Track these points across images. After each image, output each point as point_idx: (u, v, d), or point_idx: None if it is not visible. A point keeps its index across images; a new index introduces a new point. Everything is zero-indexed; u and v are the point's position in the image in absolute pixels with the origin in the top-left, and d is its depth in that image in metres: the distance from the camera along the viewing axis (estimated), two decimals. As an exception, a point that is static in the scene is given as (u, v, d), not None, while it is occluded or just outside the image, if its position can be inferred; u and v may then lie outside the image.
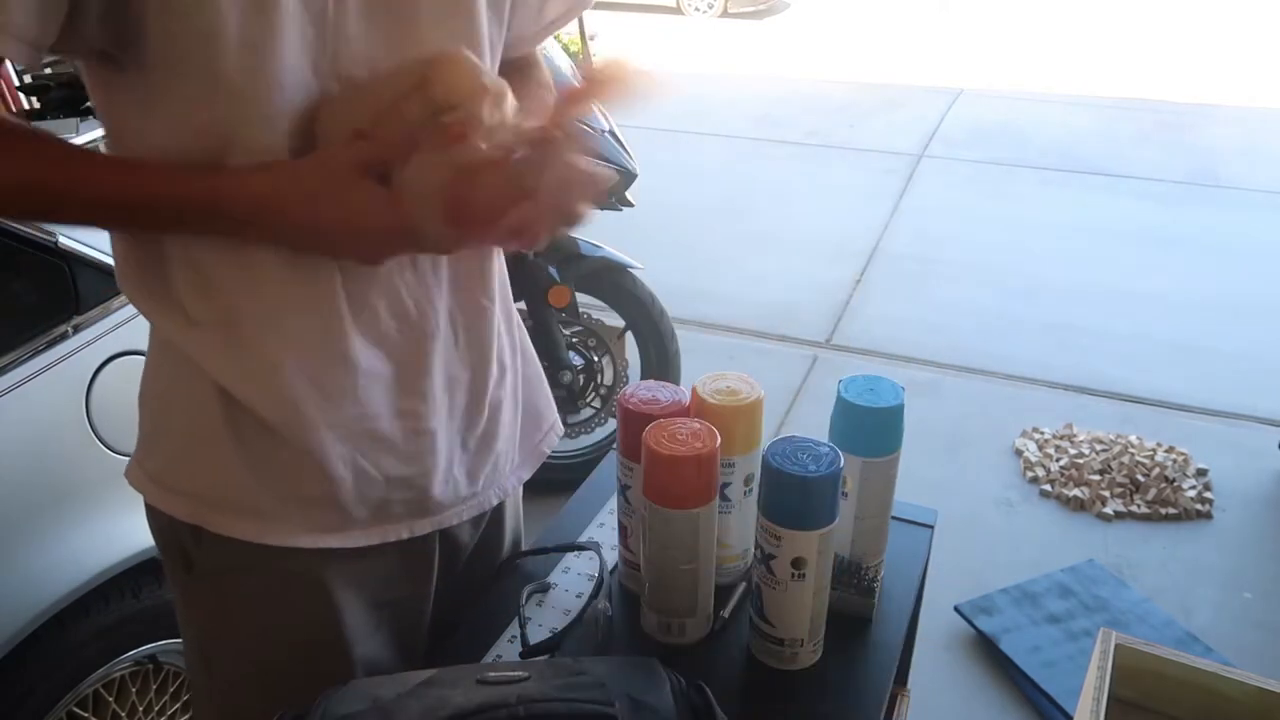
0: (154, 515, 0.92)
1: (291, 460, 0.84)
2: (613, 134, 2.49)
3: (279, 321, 0.80)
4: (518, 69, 0.95)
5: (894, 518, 1.05)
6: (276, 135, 0.74)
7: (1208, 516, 2.66)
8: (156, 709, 1.60)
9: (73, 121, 1.82)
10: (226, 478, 0.85)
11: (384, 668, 0.97)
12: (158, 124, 0.74)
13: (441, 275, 0.87)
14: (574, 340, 2.58)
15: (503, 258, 0.96)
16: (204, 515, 0.87)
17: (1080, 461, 2.83)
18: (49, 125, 1.86)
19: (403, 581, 0.97)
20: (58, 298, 1.44)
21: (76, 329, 1.44)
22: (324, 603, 0.91)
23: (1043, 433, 3.01)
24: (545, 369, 2.61)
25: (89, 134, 1.72)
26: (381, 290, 0.83)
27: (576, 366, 2.56)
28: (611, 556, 1.06)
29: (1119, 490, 2.73)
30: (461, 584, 1.06)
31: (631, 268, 2.55)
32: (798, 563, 0.87)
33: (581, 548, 1.08)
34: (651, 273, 2.62)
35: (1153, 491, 2.71)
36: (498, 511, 1.07)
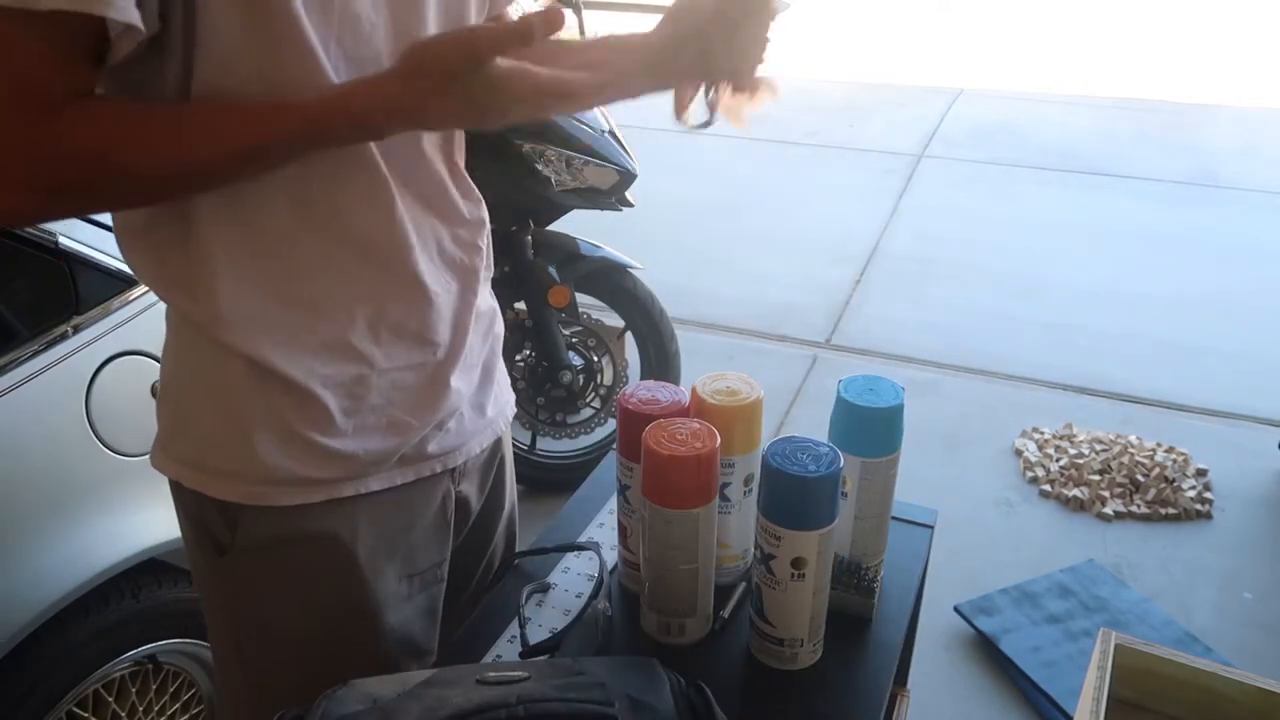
0: (183, 499, 0.92)
1: (334, 419, 0.87)
2: (612, 134, 2.48)
3: (354, 273, 0.85)
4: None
5: (894, 518, 1.05)
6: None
7: (1207, 517, 2.66)
8: (156, 709, 1.60)
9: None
10: (269, 450, 0.86)
11: (415, 638, 1.01)
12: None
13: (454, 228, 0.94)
14: (574, 340, 2.58)
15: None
16: (249, 491, 0.88)
17: (1080, 462, 2.83)
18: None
19: (426, 548, 1.00)
20: (58, 298, 1.44)
21: (76, 329, 1.44)
22: (356, 574, 0.93)
23: (1043, 433, 3.01)
24: (545, 369, 2.62)
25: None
26: (433, 234, 0.90)
27: (576, 366, 2.55)
28: (611, 556, 1.06)
29: (1119, 490, 2.73)
30: (465, 549, 1.10)
31: (631, 268, 2.55)
32: (797, 563, 0.87)
33: (581, 548, 1.09)
34: (651, 273, 2.62)
35: (1152, 492, 2.71)
36: (499, 474, 1.13)
